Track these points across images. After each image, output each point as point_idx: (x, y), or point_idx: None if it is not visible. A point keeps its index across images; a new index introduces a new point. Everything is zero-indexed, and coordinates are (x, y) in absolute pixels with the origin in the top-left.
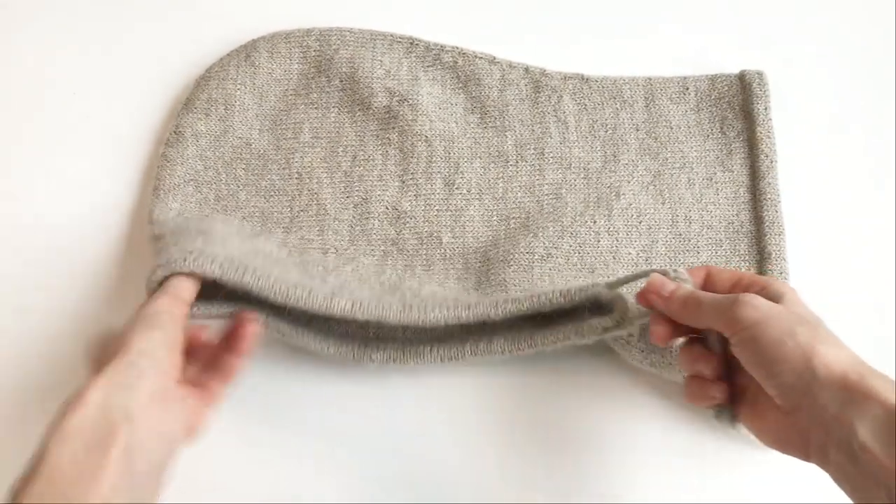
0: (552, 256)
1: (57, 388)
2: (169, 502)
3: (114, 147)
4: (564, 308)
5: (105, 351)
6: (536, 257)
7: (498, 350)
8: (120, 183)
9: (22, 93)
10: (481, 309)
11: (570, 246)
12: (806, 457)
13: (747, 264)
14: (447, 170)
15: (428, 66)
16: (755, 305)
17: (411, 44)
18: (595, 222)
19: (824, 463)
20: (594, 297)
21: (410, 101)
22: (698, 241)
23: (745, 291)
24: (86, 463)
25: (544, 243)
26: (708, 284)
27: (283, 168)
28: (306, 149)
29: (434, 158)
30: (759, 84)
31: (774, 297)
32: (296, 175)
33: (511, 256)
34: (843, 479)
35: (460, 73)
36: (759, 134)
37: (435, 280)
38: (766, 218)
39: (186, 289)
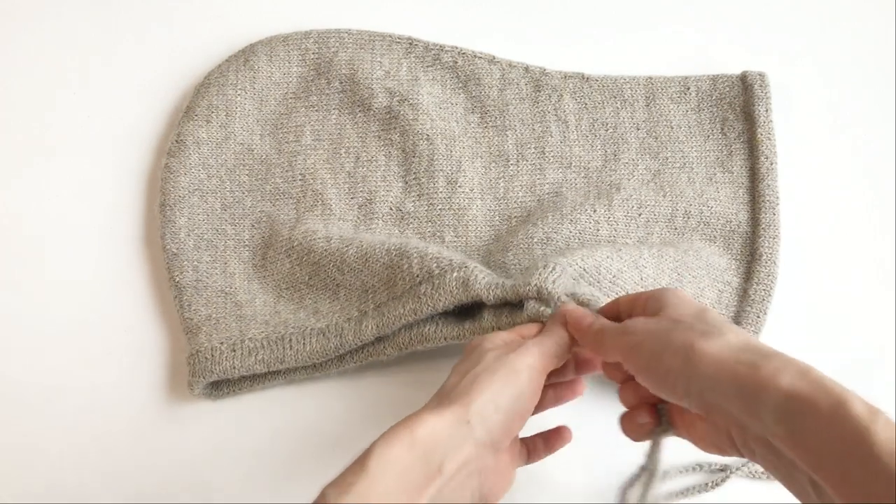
0: (552, 240)
1: (53, 392)
2: (170, 502)
3: (114, 156)
4: None
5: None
6: (535, 241)
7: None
8: (122, 192)
9: (17, 107)
10: (477, 288)
11: (570, 232)
12: (739, 454)
13: (738, 263)
14: (449, 168)
15: (427, 67)
16: (632, 329)
17: (410, 44)
18: (595, 211)
19: (753, 456)
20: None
21: (411, 101)
22: (692, 237)
23: (634, 313)
24: (395, 498)
25: (543, 229)
26: (617, 313)
27: (287, 171)
28: (308, 151)
29: (436, 156)
30: (761, 85)
31: (655, 309)
32: (299, 177)
33: (510, 244)
34: (772, 469)
35: (460, 73)
36: (759, 136)
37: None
38: (763, 220)
39: (557, 345)
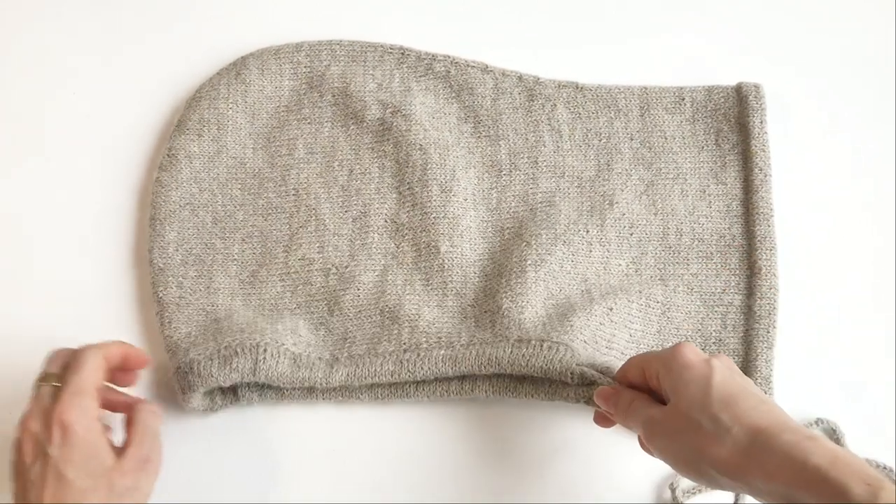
0: (545, 262)
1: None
2: (169, 502)
3: (105, 169)
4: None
5: None
6: (529, 263)
7: (482, 394)
8: (113, 205)
9: (7, 119)
10: (466, 365)
11: (563, 254)
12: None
13: (737, 278)
14: (443, 177)
15: (420, 76)
16: (650, 424)
17: (402, 54)
18: (588, 232)
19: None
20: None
21: (404, 112)
22: (688, 254)
23: (647, 380)
24: None
25: (537, 251)
26: (629, 380)
27: (280, 185)
28: (302, 165)
29: (429, 165)
30: (756, 97)
31: (664, 385)
32: (293, 192)
33: (504, 267)
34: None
35: (453, 83)
36: (753, 147)
37: (434, 298)
38: (758, 232)
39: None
